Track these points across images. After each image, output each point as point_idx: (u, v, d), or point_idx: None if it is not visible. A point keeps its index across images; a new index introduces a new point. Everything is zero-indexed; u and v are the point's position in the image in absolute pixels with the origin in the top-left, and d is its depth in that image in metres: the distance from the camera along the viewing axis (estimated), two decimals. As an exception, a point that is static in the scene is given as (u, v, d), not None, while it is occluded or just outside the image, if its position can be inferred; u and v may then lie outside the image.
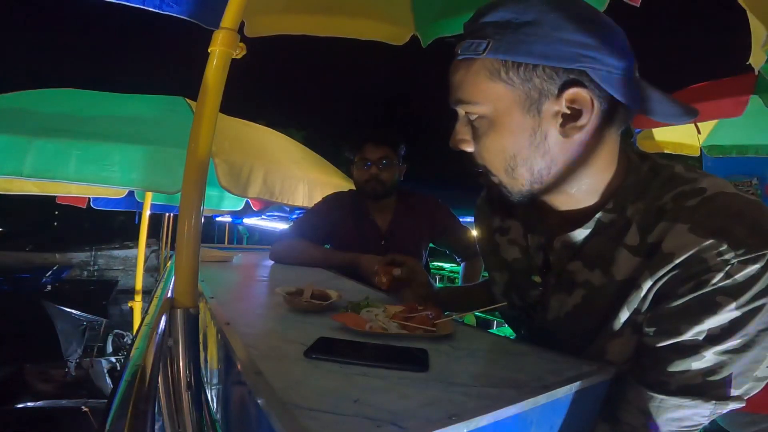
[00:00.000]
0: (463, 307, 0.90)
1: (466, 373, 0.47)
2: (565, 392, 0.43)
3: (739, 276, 0.44)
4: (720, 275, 0.44)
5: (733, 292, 0.44)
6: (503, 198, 0.59)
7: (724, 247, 0.44)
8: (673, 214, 0.49)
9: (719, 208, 0.47)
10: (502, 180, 0.56)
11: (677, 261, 0.47)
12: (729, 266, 0.44)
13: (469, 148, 0.57)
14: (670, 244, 0.48)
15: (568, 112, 0.51)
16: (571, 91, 0.50)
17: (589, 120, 0.51)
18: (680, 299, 0.47)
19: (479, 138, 0.55)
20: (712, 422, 0.50)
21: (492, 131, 0.53)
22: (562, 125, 0.51)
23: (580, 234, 0.57)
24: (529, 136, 0.52)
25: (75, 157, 1.68)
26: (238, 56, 0.71)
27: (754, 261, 0.44)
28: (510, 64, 0.50)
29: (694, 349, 0.46)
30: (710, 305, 0.45)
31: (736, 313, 0.44)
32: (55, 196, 3.57)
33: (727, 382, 0.46)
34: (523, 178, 0.55)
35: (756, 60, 1.22)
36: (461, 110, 0.56)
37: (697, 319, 0.46)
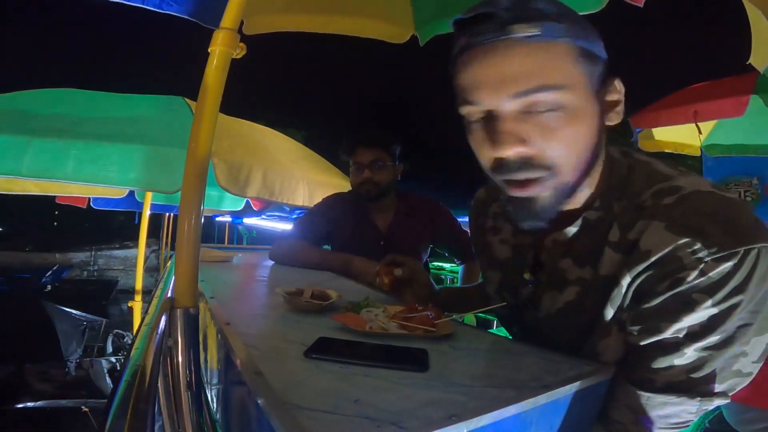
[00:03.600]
0: (463, 307, 0.90)
1: (466, 373, 0.47)
2: (564, 392, 0.43)
3: (714, 274, 0.45)
4: (695, 273, 0.45)
5: (708, 290, 0.45)
6: (496, 198, 0.58)
7: (698, 245, 0.45)
8: (651, 211, 0.50)
9: (695, 206, 0.48)
10: (563, 180, 0.51)
11: (653, 259, 0.48)
12: (703, 264, 0.45)
13: (525, 148, 0.49)
14: (646, 242, 0.49)
15: (616, 99, 0.53)
16: (616, 81, 0.52)
17: (622, 111, 0.52)
18: (658, 297, 0.48)
19: (552, 132, 0.48)
20: (720, 419, 0.50)
21: (573, 123, 0.49)
22: (608, 115, 0.53)
23: (569, 231, 0.58)
24: (597, 127, 0.51)
25: (74, 156, 1.67)
26: (238, 56, 0.71)
27: (727, 259, 0.44)
28: (584, 51, 0.49)
29: (675, 346, 0.47)
30: (687, 303, 0.46)
31: (714, 310, 0.45)
32: (55, 196, 3.57)
33: (710, 378, 0.47)
34: (578, 172, 0.52)
35: (757, 59, 1.22)
36: (534, 99, 0.47)
37: (676, 317, 0.47)
